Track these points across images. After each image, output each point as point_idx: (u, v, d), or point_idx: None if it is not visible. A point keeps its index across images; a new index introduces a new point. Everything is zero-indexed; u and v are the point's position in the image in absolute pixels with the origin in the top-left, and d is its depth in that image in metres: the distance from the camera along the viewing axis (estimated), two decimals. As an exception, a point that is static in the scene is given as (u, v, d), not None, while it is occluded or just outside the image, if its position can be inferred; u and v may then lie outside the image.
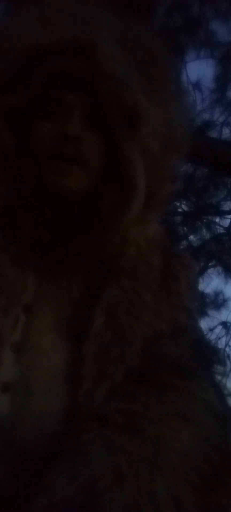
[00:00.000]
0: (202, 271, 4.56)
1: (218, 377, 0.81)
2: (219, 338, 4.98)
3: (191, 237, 4.60)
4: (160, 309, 0.77)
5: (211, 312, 4.94)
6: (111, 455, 0.60)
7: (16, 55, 0.72)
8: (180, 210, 4.53)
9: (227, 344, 5.03)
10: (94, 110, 0.73)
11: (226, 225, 4.67)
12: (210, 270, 4.75)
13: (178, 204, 4.36)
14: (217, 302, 4.95)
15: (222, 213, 4.62)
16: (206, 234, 4.67)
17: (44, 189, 0.72)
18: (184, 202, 4.49)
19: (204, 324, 4.48)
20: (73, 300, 0.74)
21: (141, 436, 0.63)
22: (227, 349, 5.00)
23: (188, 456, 0.63)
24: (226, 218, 4.65)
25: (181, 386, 0.71)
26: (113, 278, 0.76)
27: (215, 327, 4.94)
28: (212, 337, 4.86)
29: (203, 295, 4.58)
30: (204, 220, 4.61)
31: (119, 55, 0.73)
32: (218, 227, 4.72)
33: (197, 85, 4.19)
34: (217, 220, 4.70)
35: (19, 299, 0.72)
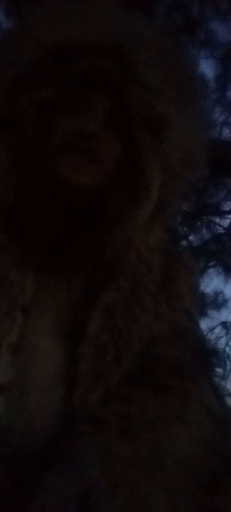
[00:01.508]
0: (202, 271, 4.55)
1: (218, 380, 0.80)
2: (219, 338, 4.97)
3: (191, 237, 4.59)
4: (159, 311, 0.77)
5: (211, 312, 4.94)
6: (106, 461, 0.60)
7: (52, 48, 0.72)
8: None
9: (227, 344, 5.02)
10: (118, 113, 0.73)
11: (226, 225, 4.66)
12: (210, 270, 4.75)
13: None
14: (217, 302, 4.94)
15: (222, 213, 4.60)
16: (206, 234, 4.66)
17: (54, 182, 0.72)
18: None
19: (204, 324, 4.48)
20: (72, 301, 0.74)
21: (137, 441, 0.63)
22: (227, 349, 4.99)
23: (185, 461, 0.63)
24: (226, 218, 4.64)
25: (179, 388, 0.70)
26: (113, 279, 0.75)
27: (215, 327, 4.94)
28: (212, 337, 4.86)
29: (203, 295, 4.57)
30: (204, 220, 4.60)
31: (154, 64, 0.74)
32: (218, 227, 4.71)
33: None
34: (217, 220, 4.70)
35: (18, 300, 0.72)
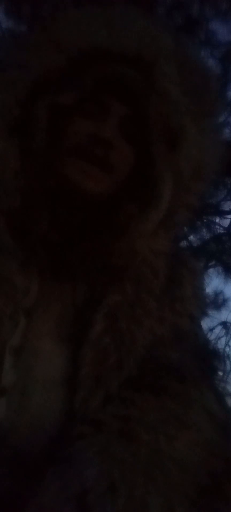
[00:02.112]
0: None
1: (220, 384, 0.80)
2: (219, 338, 4.97)
3: (191, 237, 4.59)
4: (163, 314, 0.76)
5: (211, 312, 4.94)
6: (105, 463, 0.60)
7: (77, 54, 0.72)
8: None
9: (227, 344, 5.02)
10: (133, 122, 0.73)
11: (226, 225, 4.67)
12: (210, 270, 4.74)
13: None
14: (217, 302, 4.94)
15: (222, 213, 4.60)
16: (206, 234, 4.66)
17: (63, 186, 0.72)
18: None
19: (204, 324, 4.47)
20: (75, 304, 0.74)
21: (136, 443, 0.62)
22: (227, 349, 5.00)
23: (184, 464, 0.63)
24: (226, 218, 4.64)
25: (180, 392, 0.70)
26: (117, 283, 0.75)
27: (215, 327, 4.94)
28: (212, 337, 4.86)
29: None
30: (204, 220, 4.59)
31: (175, 76, 0.74)
32: (218, 227, 4.71)
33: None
34: (217, 220, 4.70)
35: (21, 304, 0.72)
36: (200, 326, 0.88)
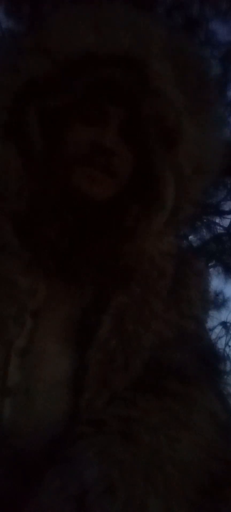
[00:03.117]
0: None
1: (224, 386, 0.79)
2: (219, 338, 4.97)
3: (191, 237, 4.59)
4: (169, 316, 0.76)
5: (211, 312, 4.93)
6: (104, 464, 0.60)
7: (65, 58, 0.71)
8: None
9: (227, 344, 5.02)
10: (131, 124, 0.73)
11: (226, 225, 4.67)
12: (210, 270, 4.74)
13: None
14: (217, 302, 4.94)
15: (222, 213, 4.61)
16: (206, 234, 4.66)
17: (70, 193, 0.72)
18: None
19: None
20: (82, 306, 0.74)
21: (137, 444, 0.62)
22: (227, 349, 5.00)
23: (185, 467, 0.62)
24: (226, 218, 4.64)
25: (183, 394, 0.70)
26: (124, 284, 0.75)
27: (215, 327, 4.94)
28: (212, 337, 4.85)
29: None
30: (204, 220, 4.59)
31: (169, 73, 0.73)
32: (218, 227, 4.71)
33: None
34: (217, 220, 4.70)
35: (28, 305, 0.72)
36: (206, 329, 0.88)
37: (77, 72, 0.70)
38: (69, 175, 0.72)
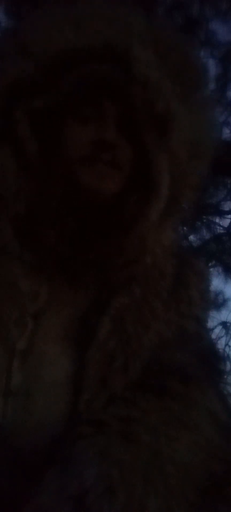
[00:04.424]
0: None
1: (225, 386, 0.80)
2: (219, 338, 4.97)
3: (191, 237, 4.59)
4: (169, 317, 0.76)
5: (211, 312, 4.93)
6: (104, 464, 0.59)
7: (46, 58, 0.70)
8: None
9: (227, 344, 5.02)
10: (125, 116, 0.72)
11: (226, 225, 4.67)
12: (210, 270, 4.74)
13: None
14: (217, 302, 4.94)
15: (222, 213, 4.60)
16: (206, 234, 4.66)
17: (75, 193, 0.71)
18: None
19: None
20: (84, 307, 0.74)
21: (136, 444, 0.62)
22: (227, 349, 5.00)
23: (185, 467, 0.62)
24: (226, 218, 4.64)
25: (183, 393, 0.70)
26: (125, 285, 0.75)
27: (215, 327, 4.94)
28: (212, 337, 4.85)
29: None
30: (204, 220, 4.59)
31: (152, 60, 0.72)
32: (218, 227, 4.71)
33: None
34: (217, 220, 4.70)
35: (29, 308, 0.72)
36: (206, 329, 0.88)
37: (60, 70, 0.70)
38: (74, 175, 0.72)
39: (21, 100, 0.71)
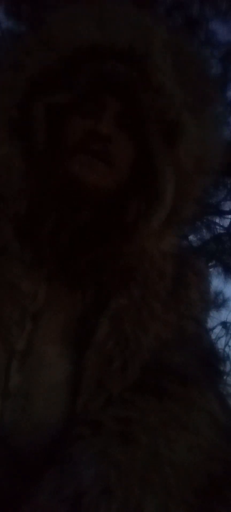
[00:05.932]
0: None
1: (225, 387, 0.79)
2: (219, 338, 4.97)
3: (191, 237, 4.59)
4: (168, 318, 0.76)
5: (211, 312, 4.93)
6: (102, 465, 0.59)
7: (68, 52, 0.71)
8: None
9: (227, 344, 5.03)
10: (131, 117, 0.73)
11: (226, 225, 4.67)
12: (210, 270, 4.74)
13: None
14: (217, 302, 4.94)
15: (222, 213, 4.61)
16: (206, 234, 4.66)
17: (66, 182, 0.71)
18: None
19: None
20: (82, 308, 0.73)
21: (135, 445, 0.62)
22: (227, 349, 5.00)
23: (183, 468, 0.62)
24: (226, 218, 4.65)
25: (182, 394, 0.69)
26: (124, 286, 0.74)
27: (215, 327, 4.94)
28: (212, 337, 4.86)
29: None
30: (204, 220, 4.59)
31: (170, 69, 0.73)
32: (218, 227, 4.71)
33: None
34: (217, 220, 4.70)
35: (29, 309, 0.72)
36: (206, 330, 0.88)
37: (80, 66, 0.71)
38: (67, 165, 0.72)
39: (39, 95, 0.72)
